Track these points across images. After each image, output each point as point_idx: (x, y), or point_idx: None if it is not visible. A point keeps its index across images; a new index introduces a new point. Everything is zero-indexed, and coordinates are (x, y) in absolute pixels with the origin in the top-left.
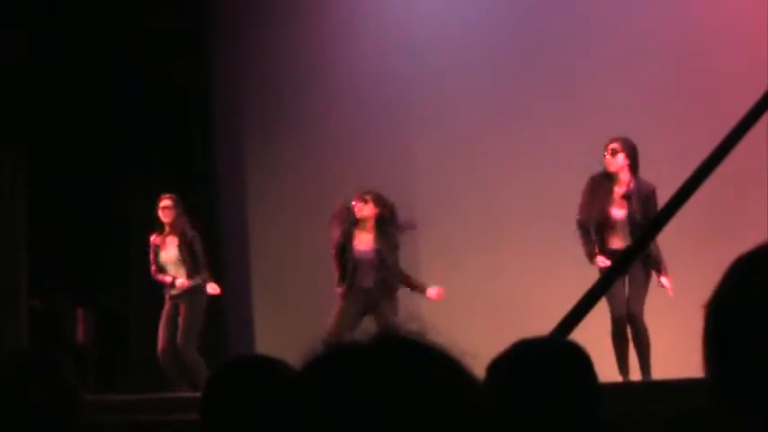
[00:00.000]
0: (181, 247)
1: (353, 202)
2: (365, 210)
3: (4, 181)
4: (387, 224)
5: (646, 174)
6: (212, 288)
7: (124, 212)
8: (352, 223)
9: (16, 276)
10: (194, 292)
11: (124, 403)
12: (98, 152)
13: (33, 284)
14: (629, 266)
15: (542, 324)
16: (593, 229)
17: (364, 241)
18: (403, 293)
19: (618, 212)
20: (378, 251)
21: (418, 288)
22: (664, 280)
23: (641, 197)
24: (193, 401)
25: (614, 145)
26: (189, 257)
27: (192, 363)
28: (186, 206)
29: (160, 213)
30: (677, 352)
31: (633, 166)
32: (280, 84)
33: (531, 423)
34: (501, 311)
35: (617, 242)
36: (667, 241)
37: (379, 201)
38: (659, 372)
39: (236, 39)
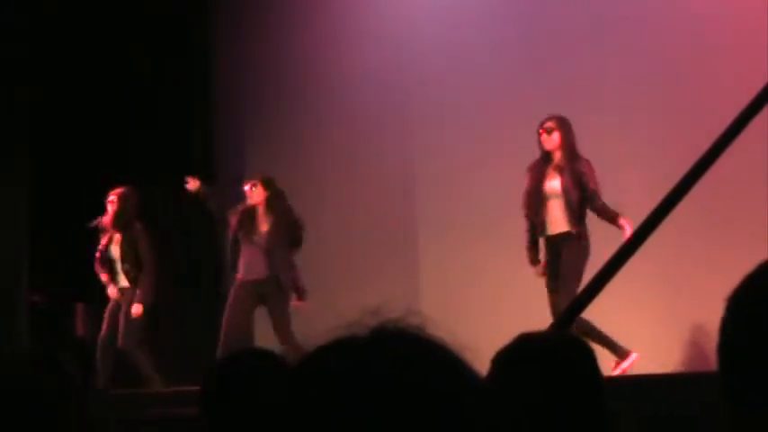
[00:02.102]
0: (122, 245)
1: (245, 187)
2: (255, 195)
3: (4, 176)
4: (276, 210)
5: (650, 173)
6: (135, 308)
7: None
8: (246, 210)
9: (16, 272)
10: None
11: (123, 397)
12: (98, 148)
13: (33, 280)
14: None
15: (542, 316)
16: (536, 217)
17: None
18: (400, 284)
19: (551, 184)
20: (268, 240)
21: (296, 291)
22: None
23: (573, 171)
24: (193, 395)
25: (549, 124)
26: (129, 257)
27: (135, 361)
28: (138, 202)
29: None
30: (679, 346)
31: (568, 144)
32: (280, 78)
33: (535, 418)
34: (500, 305)
35: (555, 226)
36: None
37: (268, 184)
38: (659, 367)
39: (238, 34)
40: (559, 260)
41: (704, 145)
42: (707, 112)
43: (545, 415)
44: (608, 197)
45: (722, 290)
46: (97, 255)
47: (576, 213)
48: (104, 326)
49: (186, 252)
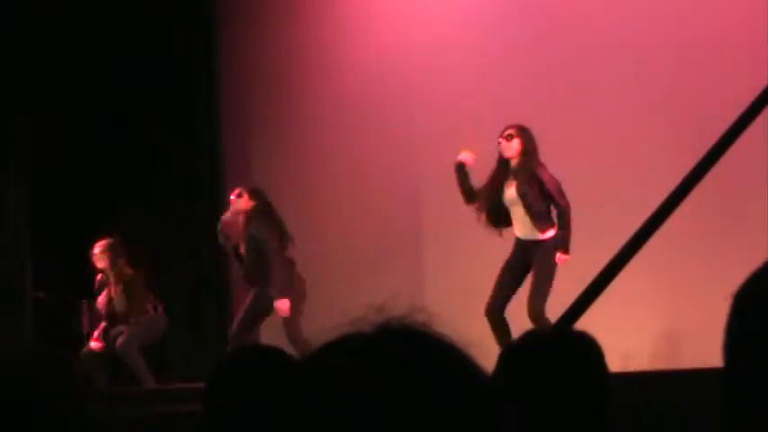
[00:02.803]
0: (125, 293)
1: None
2: (240, 203)
3: (6, 172)
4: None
5: (651, 170)
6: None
7: (128, 203)
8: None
9: (20, 268)
10: (145, 323)
11: (129, 395)
12: (102, 144)
13: (37, 276)
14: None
15: (549, 313)
16: (485, 213)
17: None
18: (405, 282)
19: (509, 191)
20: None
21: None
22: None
23: (528, 173)
24: (198, 392)
25: (510, 131)
26: (130, 300)
27: (131, 362)
28: (121, 248)
29: (94, 260)
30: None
31: (527, 152)
32: (285, 82)
33: (541, 414)
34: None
35: (522, 232)
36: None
37: (255, 195)
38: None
39: (243, 26)
40: (531, 263)
41: (707, 142)
42: (710, 111)
43: (551, 412)
44: (606, 195)
45: (726, 286)
46: (98, 300)
47: (543, 218)
48: (101, 326)
49: (195, 260)
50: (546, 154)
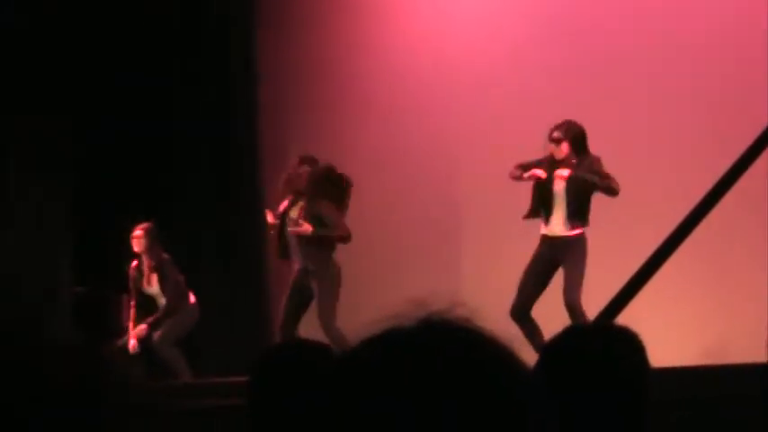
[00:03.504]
0: (160, 281)
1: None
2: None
3: (48, 166)
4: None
5: (684, 167)
6: (139, 330)
7: (167, 198)
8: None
9: (59, 263)
10: (185, 312)
11: (165, 389)
12: (141, 140)
13: (77, 271)
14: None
15: (587, 308)
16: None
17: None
18: (443, 276)
19: (558, 184)
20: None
21: None
22: None
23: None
24: (239, 386)
25: (556, 134)
26: (165, 286)
27: (168, 358)
28: (158, 233)
29: (132, 243)
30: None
31: (576, 153)
32: (324, 70)
33: (584, 408)
34: (544, 297)
35: (554, 223)
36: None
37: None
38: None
39: (281, 23)
40: (559, 261)
41: (740, 137)
42: (737, 110)
43: (591, 406)
44: (637, 190)
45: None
46: (130, 286)
47: (578, 216)
48: (146, 324)
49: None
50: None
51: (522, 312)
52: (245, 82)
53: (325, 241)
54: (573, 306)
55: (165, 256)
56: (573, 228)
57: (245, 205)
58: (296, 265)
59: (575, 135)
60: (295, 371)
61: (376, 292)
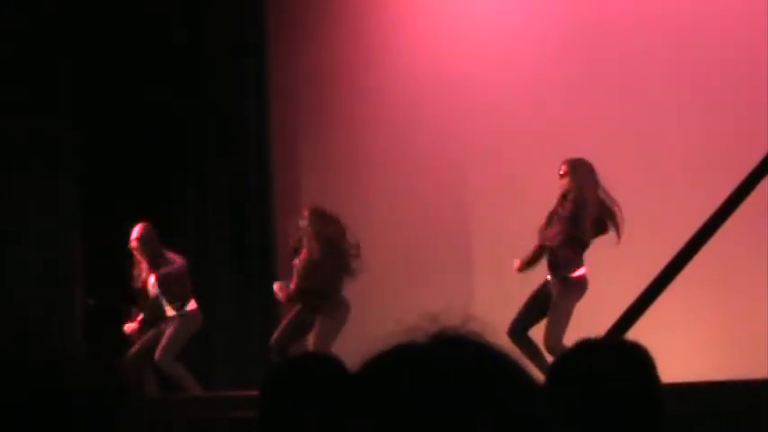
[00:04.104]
0: (159, 281)
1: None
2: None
3: (59, 179)
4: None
5: (705, 172)
6: (128, 327)
7: (178, 210)
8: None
9: (71, 274)
10: (185, 318)
11: (180, 401)
12: (153, 148)
13: (89, 282)
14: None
15: (599, 321)
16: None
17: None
18: (455, 290)
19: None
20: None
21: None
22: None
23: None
24: (250, 399)
25: (562, 168)
26: (171, 290)
27: (171, 373)
28: (153, 232)
29: (131, 247)
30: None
31: (577, 187)
32: (335, 81)
33: (594, 423)
34: None
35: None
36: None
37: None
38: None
39: (294, 33)
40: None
41: (761, 143)
42: (760, 111)
43: (602, 422)
44: (658, 198)
45: None
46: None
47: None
48: (140, 341)
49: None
50: (598, 161)
51: (514, 331)
52: (259, 96)
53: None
54: (552, 348)
55: (162, 252)
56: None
57: (255, 220)
58: None
59: (578, 173)
60: (306, 384)
61: (388, 307)
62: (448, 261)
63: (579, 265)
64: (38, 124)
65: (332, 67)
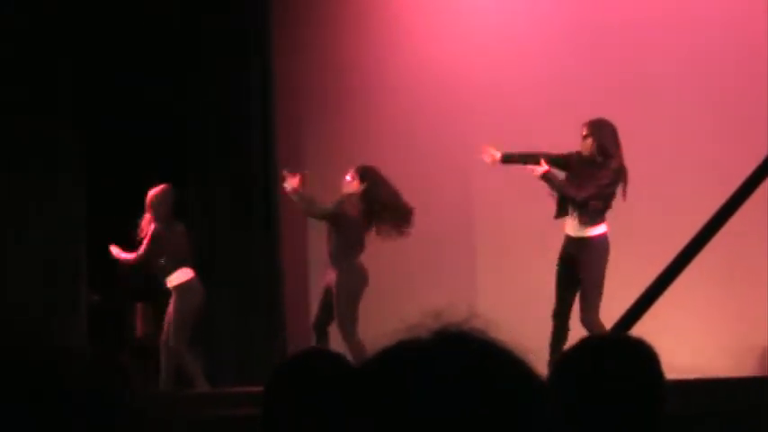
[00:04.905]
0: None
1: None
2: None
3: (62, 177)
4: None
5: (708, 170)
6: (115, 251)
7: (178, 210)
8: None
9: (75, 271)
10: (181, 289)
11: (185, 397)
12: (156, 146)
13: (92, 279)
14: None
15: (603, 318)
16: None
17: None
18: (458, 288)
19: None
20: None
21: None
22: None
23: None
24: (253, 396)
25: (584, 129)
26: (172, 256)
27: (179, 359)
28: (175, 200)
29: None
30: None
31: (600, 151)
32: (340, 78)
33: (597, 420)
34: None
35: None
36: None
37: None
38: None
39: (298, 30)
40: (578, 263)
41: (762, 143)
42: (760, 111)
43: (605, 418)
44: (658, 198)
45: None
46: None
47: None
48: (165, 326)
49: (245, 252)
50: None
51: (556, 314)
52: (262, 96)
53: (349, 248)
54: (590, 325)
55: (171, 218)
56: (585, 227)
57: (259, 216)
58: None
59: (601, 133)
60: (310, 381)
61: (391, 303)
62: (451, 258)
63: (604, 219)
64: (38, 124)
65: (336, 66)
